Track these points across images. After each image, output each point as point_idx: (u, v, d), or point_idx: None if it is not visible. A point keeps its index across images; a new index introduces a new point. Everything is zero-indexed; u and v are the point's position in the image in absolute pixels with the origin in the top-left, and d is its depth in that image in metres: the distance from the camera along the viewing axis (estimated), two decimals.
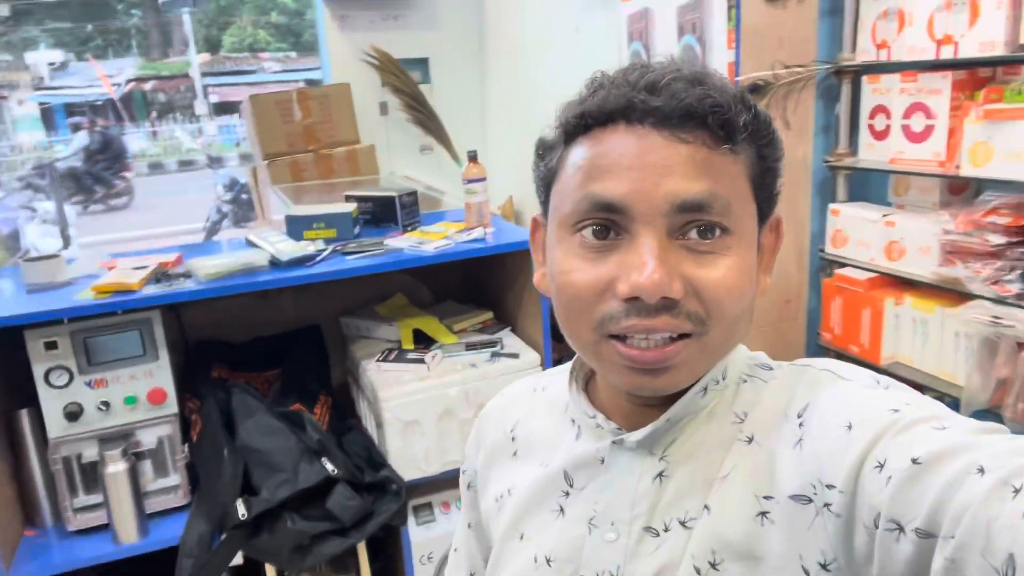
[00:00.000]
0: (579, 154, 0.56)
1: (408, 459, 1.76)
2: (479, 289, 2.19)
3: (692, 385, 0.59)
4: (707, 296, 0.54)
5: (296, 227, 1.88)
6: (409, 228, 1.94)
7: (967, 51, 1.43)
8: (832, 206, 1.79)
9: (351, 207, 1.92)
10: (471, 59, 3.28)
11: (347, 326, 2.08)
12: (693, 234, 0.54)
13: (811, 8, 1.67)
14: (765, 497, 0.55)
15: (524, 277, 1.89)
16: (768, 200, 0.59)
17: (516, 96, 3.01)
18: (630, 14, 2.17)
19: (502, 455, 0.74)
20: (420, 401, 1.74)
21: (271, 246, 1.75)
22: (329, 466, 1.61)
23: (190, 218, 7.03)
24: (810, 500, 0.52)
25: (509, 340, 1.93)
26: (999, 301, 1.42)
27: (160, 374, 1.63)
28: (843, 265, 1.78)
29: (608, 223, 0.55)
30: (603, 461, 0.63)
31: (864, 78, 1.70)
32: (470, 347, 1.87)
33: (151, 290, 1.57)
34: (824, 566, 0.51)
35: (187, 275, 1.65)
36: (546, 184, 0.62)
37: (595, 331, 0.56)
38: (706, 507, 0.57)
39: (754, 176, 0.56)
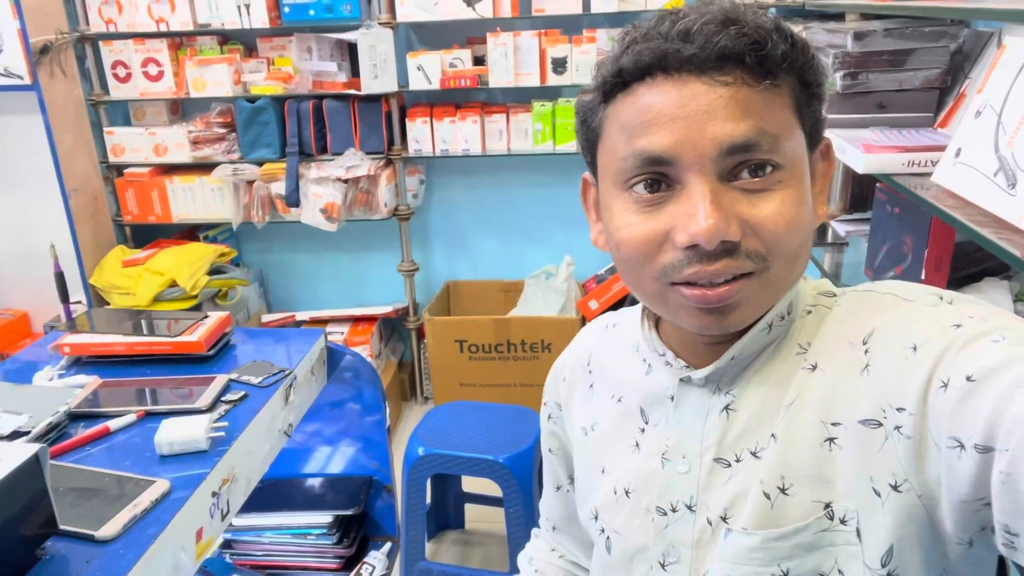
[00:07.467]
0: (621, 111, 0.56)
1: None
2: None
3: (758, 321, 0.59)
4: (765, 233, 0.53)
5: None
6: None
7: (174, 26, 2.52)
8: (107, 128, 2.65)
9: None
10: None
11: None
12: (744, 174, 0.53)
13: None
14: (833, 424, 0.56)
15: None
16: (816, 126, 0.58)
17: None
18: None
19: (581, 387, 0.77)
20: None
21: None
22: None
23: None
24: (880, 424, 0.53)
25: None
26: (232, 162, 2.65)
27: None
28: (128, 166, 2.69)
29: (658, 176, 0.55)
30: (672, 398, 0.64)
31: (100, 42, 2.56)
32: None
33: None
34: (895, 487, 0.52)
35: None
36: (591, 145, 0.61)
37: (658, 280, 0.56)
38: (772, 436, 0.58)
39: (798, 104, 0.56)
